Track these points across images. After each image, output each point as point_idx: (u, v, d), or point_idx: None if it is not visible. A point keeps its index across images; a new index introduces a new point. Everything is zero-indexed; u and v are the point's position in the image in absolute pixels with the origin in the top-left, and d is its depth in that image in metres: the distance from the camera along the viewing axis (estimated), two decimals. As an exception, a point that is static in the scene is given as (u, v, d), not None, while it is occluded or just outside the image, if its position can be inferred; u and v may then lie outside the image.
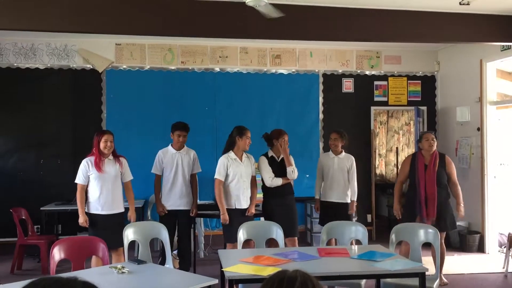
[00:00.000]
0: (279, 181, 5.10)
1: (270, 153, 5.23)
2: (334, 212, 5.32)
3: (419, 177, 5.06)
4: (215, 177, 4.99)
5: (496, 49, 6.57)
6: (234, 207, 4.95)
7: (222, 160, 4.99)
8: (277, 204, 5.11)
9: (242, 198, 4.98)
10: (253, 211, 5.07)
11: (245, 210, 5.00)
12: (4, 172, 6.90)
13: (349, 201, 5.52)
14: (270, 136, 5.25)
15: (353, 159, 5.61)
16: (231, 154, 4.99)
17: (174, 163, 5.22)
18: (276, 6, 4.17)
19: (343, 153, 5.58)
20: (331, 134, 5.64)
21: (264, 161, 5.16)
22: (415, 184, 5.09)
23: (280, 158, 5.21)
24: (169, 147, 5.29)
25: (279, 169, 5.14)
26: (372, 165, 7.95)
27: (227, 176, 4.97)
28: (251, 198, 5.09)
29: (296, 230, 5.14)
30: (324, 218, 5.36)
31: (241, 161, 5.01)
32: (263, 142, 5.31)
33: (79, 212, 4.65)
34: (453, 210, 5.15)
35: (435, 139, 5.16)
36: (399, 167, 9.16)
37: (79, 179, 4.66)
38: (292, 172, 5.10)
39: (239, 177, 4.96)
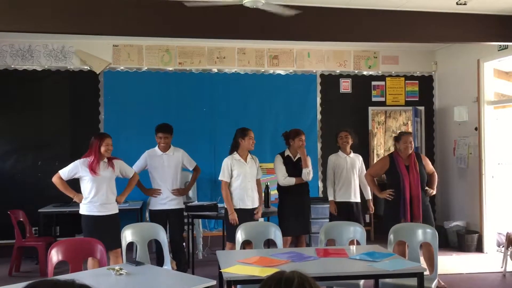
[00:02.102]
0: (292, 181, 5.15)
1: (287, 152, 5.29)
2: (349, 212, 5.42)
3: (403, 178, 4.92)
4: (219, 178, 5.01)
5: (493, 49, 6.59)
6: (238, 207, 4.96)
7: (226, 161, 5.01)
8: (293, 203, 5.18)
9: (246, 199, 4.99)
10: (260, 215, 5.13)
11: (249, 210, 5.00)
12: (1, 174, 6.89)
13: (359, 200, 5.57)
14: (288, 136, 5.30)
15: (361, 158, 5.71)
16: (235, 155, 5.01)
17: (161, 165, 5.21)
18: (274, 6, 4.17)
19: (352, 152, 5.64)
20: (341, 133, 5.62)
21: (279, 160, 5.23)
22: (399, 186, 4.94)
23: (296, 158, 5.28)
24: (156, 148, 5.27)
25: (294, 168, 5.22)
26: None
27: (231, 176, 4.98)
28: (258, 200, 5.13)
29: (310, 227, 5.40)
30: (339, 219, 5.38)
31: (246, 161, 5.02)
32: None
33: (70, 195, 4.69)
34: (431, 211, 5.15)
35: (412, 143, 5.08)
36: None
37: (63, 172, 4.63)
38: (308, 174, 5.20)
39: (243, 177, 4.97)
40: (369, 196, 5.70)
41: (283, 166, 5.19)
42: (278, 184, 5.31)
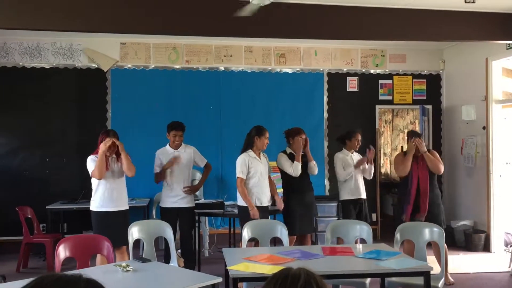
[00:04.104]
0: (298, 166, 5.15)
1: (289, 150, 5.32)
2: (359, 208, 5.52)
3: (412, 174, 5.06)
4: (237, 176, 4.97)
5: (501, 48, 6.54)
6: (255, 205, 4.95)
7: (243, 158, 4.99)
8: (298, 201, 5.20)
9: (262, 196, 5.02)
10: (282, 205, 5.18)
11: (265, 207, 5.02)
12: (10, 171, 6.93)
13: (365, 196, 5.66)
14: (289, 134, 5.34)
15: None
16: (251, 152, 5.02)
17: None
18: (281, 4, 4.16)
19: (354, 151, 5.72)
20: (356, 134, 5.61)
21: (283, 156, 5.26)
22: (406, 181, 5.08)
23: (295, 152, 5.29)
24: (167, 147, 5.26)
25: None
26: (377, 164, 7.93)
27: (247, 174, 4.98)
28: (274, 194, 5.20)
29: (312, 227, 5.39)
30: (353, 217, 5.43)
31: (260, 159, 5.05)
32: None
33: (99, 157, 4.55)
34: (443, 209, 5.19)
35: (421, 142, 5.09)
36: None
37: (90, 167, 4.61)
38: (315, 166, 5.30)
39: (259, 175, 4.99)
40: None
41: (289, 161, 5.21)
42: (283, 183, 5.32)
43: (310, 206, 5.33)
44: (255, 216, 4.82)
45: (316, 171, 5.33)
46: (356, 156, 5.67)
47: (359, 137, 5.63)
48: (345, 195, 5.56)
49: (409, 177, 5.08)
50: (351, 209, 5.49)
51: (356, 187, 5.55)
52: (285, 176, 5.28)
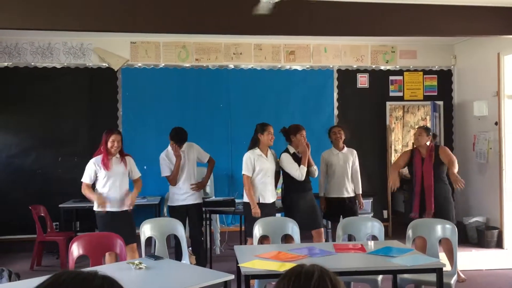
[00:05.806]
0: (304, 169, 5.11)
1: (291, 150, 5.25)
2: (342, 207, 5.43)
3: (416, 170, 5.06)
4: (242, 173, 5.00)
5: (514, 42, 6.48)
6: (258, 201, 4.96)
7: (248, 156, 5.01)
8: (298, 198, 5.13)
9: (266, 193, 5.01)
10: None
11: (269, 204, 5.01)
12: (23, 170, 7.00)
13: (353, 194, 5.56)
14: (288, 132, 5.27)
15: (356, 153, 5.67)
16: (257, 150, 5.02)
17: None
18: (291, 2, 4.14)
19: (345, 147, 5.63)
20: (334, 128, 5.69)
21: (288, 157, 5.16)
22: (412, 180, 5.11)
23: (301, 154, 5.25)
24: (169, 149, 5.25)
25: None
26: (388, 161, 7.89)
27: (253, 171, 4.99)
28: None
29: (321, 222, 5.25)
30: (332, 215, 5.44)
31: (266, 157, 5.04)
32: (280, 136, 5.33)
33: (93, 199, 4.67)
34: (453, 205, 5.14)
35: (423, 134, 5.10)
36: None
37: (85, 179, 4.70)
38: (315, 170, 5.28)
39: (264, 172, 4.99)
40: (359, 191, 5.62)
41: (295, 164, 5.12)
42: (284, 182, 5.27)
43: (312, 203, 5.22)
44: (257, 215, 4.82)
45: (316, 174, 5.35)
46: (346, 153, 5.58)
47: (337, 130, 5.61)
48: (327, 192, 5.57)
49: (413, 174, 5.07)
50: (328, 207, 5.51)
51: (339, 186, 5.50)
52: (288, 176, 5.18)
